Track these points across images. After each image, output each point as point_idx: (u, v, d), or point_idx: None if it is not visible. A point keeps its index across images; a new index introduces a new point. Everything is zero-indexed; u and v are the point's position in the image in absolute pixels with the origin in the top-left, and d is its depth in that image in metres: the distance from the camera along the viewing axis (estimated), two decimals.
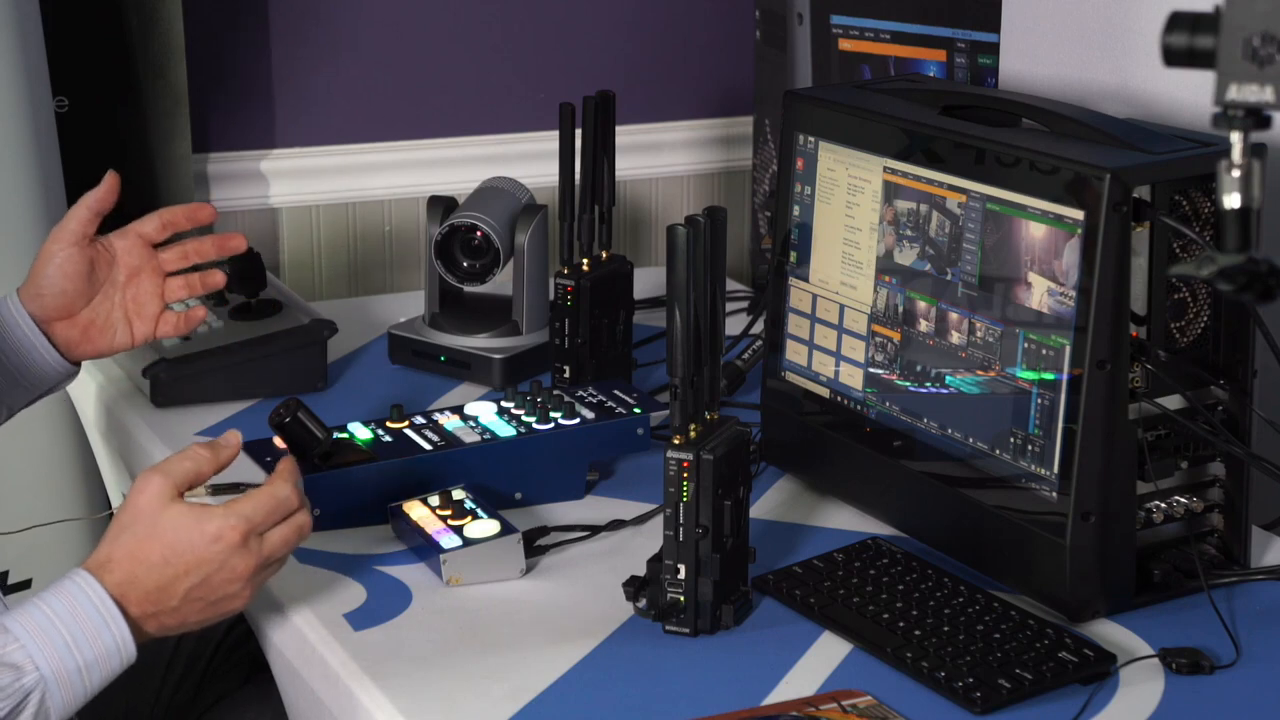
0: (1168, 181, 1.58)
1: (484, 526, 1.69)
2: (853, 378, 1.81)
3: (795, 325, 1.89)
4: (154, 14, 2.42)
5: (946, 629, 1.54)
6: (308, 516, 1.53)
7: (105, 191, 1.81)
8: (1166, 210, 1.58)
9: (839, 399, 1.83)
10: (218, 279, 1.90)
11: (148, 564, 1.45)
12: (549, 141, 2.17)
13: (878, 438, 1.78)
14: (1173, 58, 1.13)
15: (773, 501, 1.87)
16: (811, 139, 1.85)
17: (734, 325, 2.23)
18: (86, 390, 2.19)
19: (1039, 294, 1.59)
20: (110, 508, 2.17)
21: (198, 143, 2.53)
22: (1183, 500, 1.65)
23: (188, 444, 1.95)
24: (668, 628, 1.57)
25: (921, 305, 1.72)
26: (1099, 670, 1.49)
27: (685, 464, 1.54)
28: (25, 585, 2.31)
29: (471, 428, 1.86)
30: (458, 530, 1.69)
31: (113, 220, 2.43)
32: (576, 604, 1.64)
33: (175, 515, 1.46)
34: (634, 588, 1.58)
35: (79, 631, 1.41)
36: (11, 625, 1.40)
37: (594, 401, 1.90)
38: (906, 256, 1.74)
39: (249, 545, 1.48)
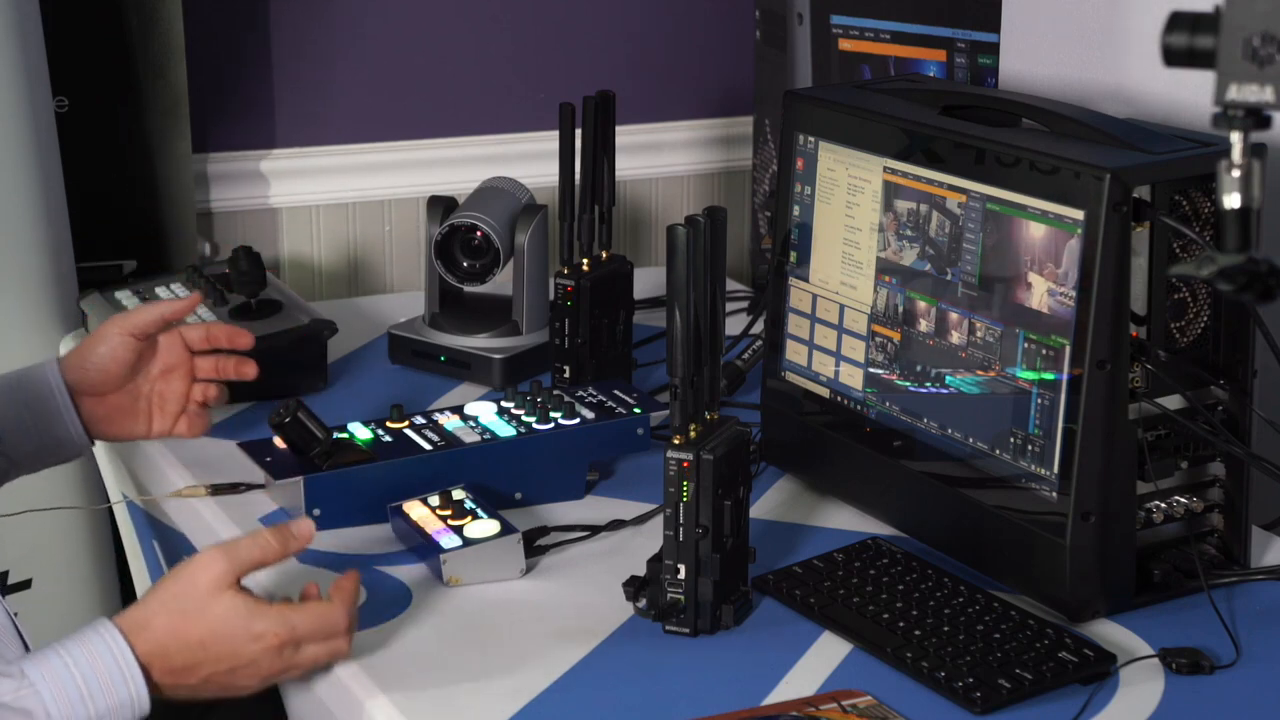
0: (1168, 181, 1.57)
1: (484, 526, 1.69)
2: (853, 378, 1.81)
3: (795, 325, 1.89)
4: (154, 14, 2.42)
5: (946, 629, 1.54)
6: (347, 645, 1.52)
7: (183, 307, 1.89)
8: (1166, 210, 1.57)
9: (839, 399, 1.83)
10: (248, 370, 1.94)
11: (184, 642, 1.45)
12: (549, 141, 2.17)
13: (878, 438, 1.78)
14: (1173, 58, 1.14)
15: (773, 501, 1.87)
16: (811, 139, 1.85)
17: (734, 325, 2.23)
18: None
19: (1039, 294, 1.59)
20: (108, 503, 2.17)
21: (198, 143, 2.53)
22: (1183, 500, 1.65)
23: (188, 446, 1.98)
24: (668, 628, 1.57)
25: (921, 305, 1.72)
26: (1099, 670, 1.49)
27: (685, 464, 1.54)
28: (25, 585, 2.31)
29: (471, 428, 1.86)
30: (458, 530, 1.69)
31: (107, 224, 2.44)
32: (576, 604, 1.64)
33: (228, 606, 1.46)
34: (634, 588, 1.58)
35: (95, 683, 1.41)
36: (29, 670, 1.40)
37: (594, 401, 1.90)
38: (906, 256, 1.74)
39: (283, 653, 1.48)
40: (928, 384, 1.72)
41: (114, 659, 1.42)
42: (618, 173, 2.16)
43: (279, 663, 1.49)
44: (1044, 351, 1.59)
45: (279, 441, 1.80)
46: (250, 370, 1.93)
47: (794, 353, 1.89)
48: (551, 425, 1.85)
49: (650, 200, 2.90)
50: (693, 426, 1.56)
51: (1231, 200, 1.13)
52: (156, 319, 1.87)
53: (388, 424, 1.87)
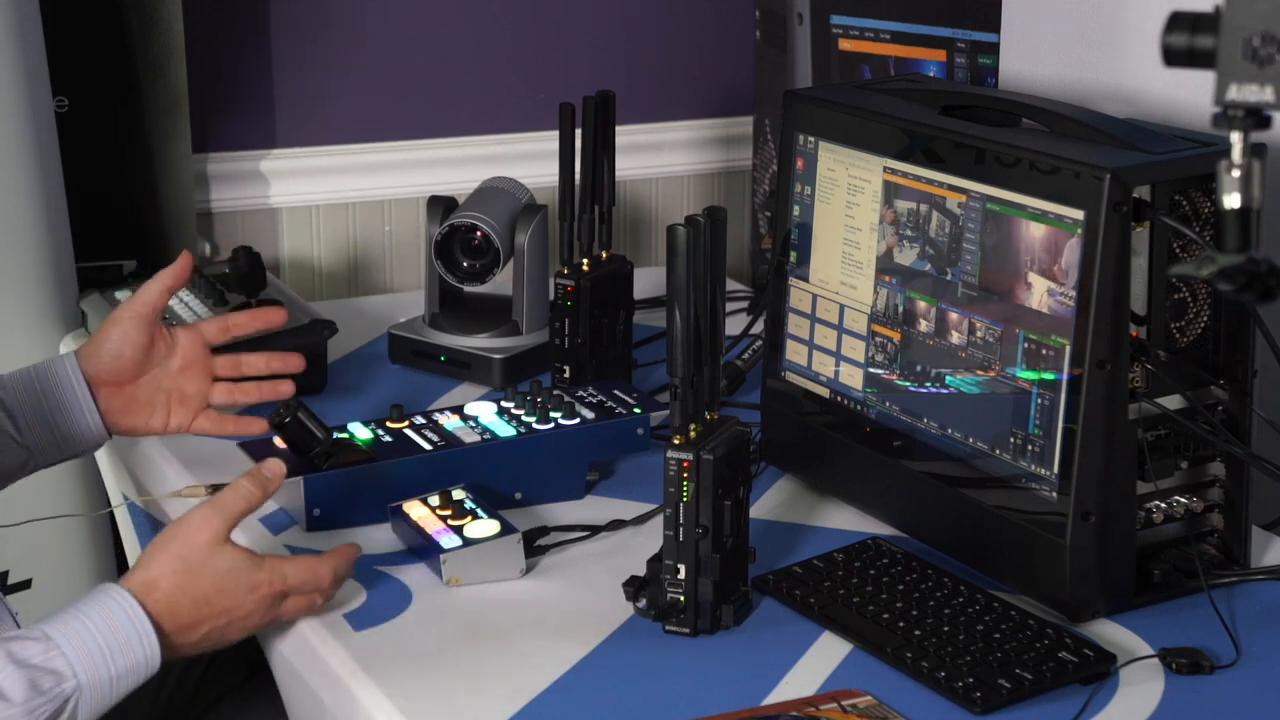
0: (1168, 181, 1.58)
1: (484, 526, 1.69)
2: (853, 378, 1.81)
3: (795, 325, 1.89)
4: (154, 14, 2.42)
5: (946, 629, 1.54)
6: (324, 601, 1.60)
7: (180, 269, 1.89)
8: (1166, 210, 1.57)
9: (839, 399, 1.83)
10: (283, 389, 1.94)
11: (191, 598, 1.52)
12: (549, 141, 2.17)
13: (878, 438, 1.78)
14: (1173, 58, 1.14)
15: (773, 501, 1.87)
16: (811, 139, 1.85)
17: (734, 325, 2.23)
18: None
19: (1039, 294, 1.59)
20: (109, 507, 2.16)
21: (198, 143, 2.53)
22: (1183, 500, 1.65)
23: (188, 446, 1.98)
24: (668, 628, 1.57)
25: (921, 305, 1.72)
26: (1099, 670, 1.49)
27: (685, 464, 1.54)
28: (25, 585, 2.31)
29: (471, 428, 1.86)
30: (458, 530, 1.69)
31: (107, 224, 2.44)
32: (576, 604, 1.64)
33: (230, 560, 1.54)
34: (634, 588, 1.58)
35: (114, 644, 1.46)
36: (53, 634, 1.45)
37: (594, 401, 1.90)
38: (906, 256, 1.74)
39: (273, 605, 1.56)
40: (928, 384, 1.72)
41: (129, 620, 1.48)
42: (618, 173, 2.16)
43: (268, 615, 1.56)
44: (1044, 351, 1.59)
45: (279, 441, 1.80)
46: (286, 389, 1.94)
47: (794, 353, 1.89)
48: (551, 425, 1.85)
49: (650, 200, 2.90)
50: (693, 426, 1.56)
51: (1231, 200, 1.13)
52: (159, 289, 1.87)
53: (388, 424, 1.87)
